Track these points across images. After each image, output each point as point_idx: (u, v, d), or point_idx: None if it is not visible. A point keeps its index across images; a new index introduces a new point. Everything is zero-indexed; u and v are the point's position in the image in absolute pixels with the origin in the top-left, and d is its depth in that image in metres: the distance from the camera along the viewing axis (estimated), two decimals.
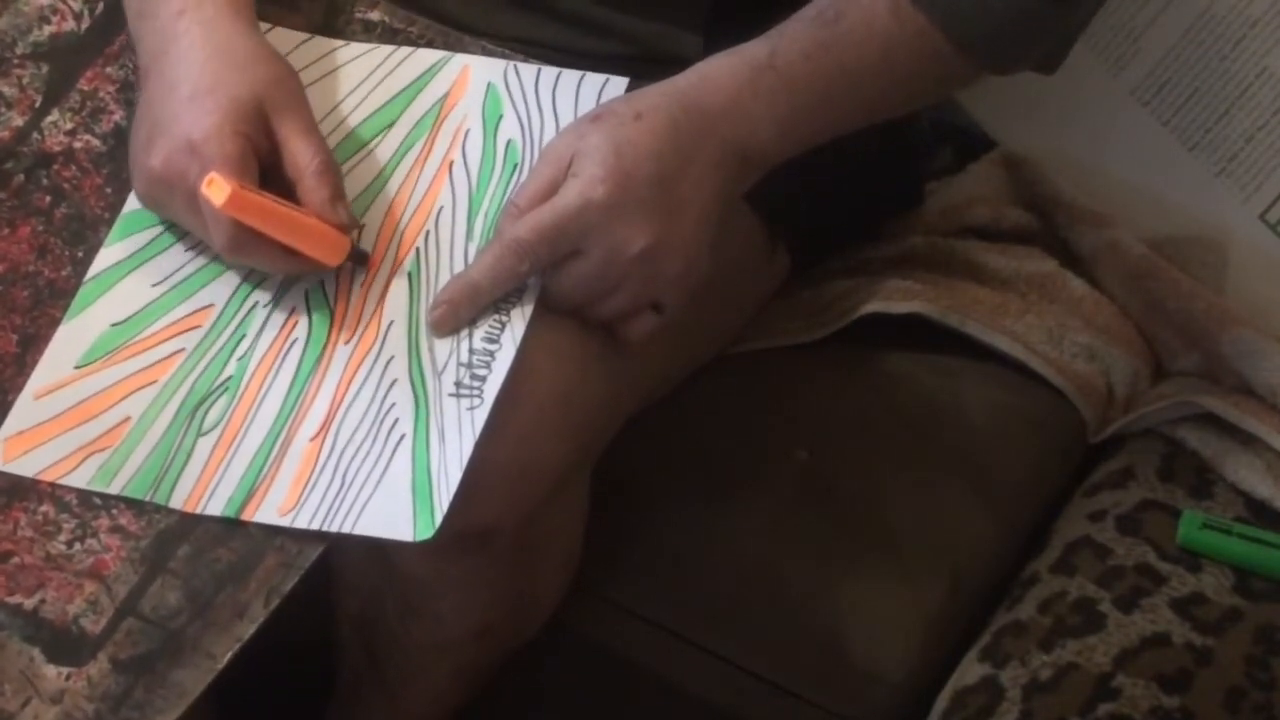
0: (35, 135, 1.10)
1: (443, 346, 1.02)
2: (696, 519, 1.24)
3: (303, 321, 1.03)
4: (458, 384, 1.00)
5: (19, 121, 1.10)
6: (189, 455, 0.99)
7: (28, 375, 1.02)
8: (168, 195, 1.04)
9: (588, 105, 1.09)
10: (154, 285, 1.05)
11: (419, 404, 1.00)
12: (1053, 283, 1.37)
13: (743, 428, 1.27)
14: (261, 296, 1.04)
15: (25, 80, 1.12)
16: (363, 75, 1.12)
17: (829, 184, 1.27)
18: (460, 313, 1.03)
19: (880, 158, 1.34)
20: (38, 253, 1.06)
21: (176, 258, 1.06)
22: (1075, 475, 1.33)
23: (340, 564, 1.16)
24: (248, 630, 0.94)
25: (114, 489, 0.98)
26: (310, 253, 1.01)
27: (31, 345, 1.03)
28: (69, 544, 0.97)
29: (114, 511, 0.98)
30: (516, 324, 1.02)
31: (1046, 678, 1.14)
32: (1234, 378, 1.33)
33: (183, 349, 1.03)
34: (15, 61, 1.12)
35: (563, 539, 1.17)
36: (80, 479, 0.98)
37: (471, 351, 1.01)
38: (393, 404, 1.00)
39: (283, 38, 1.11)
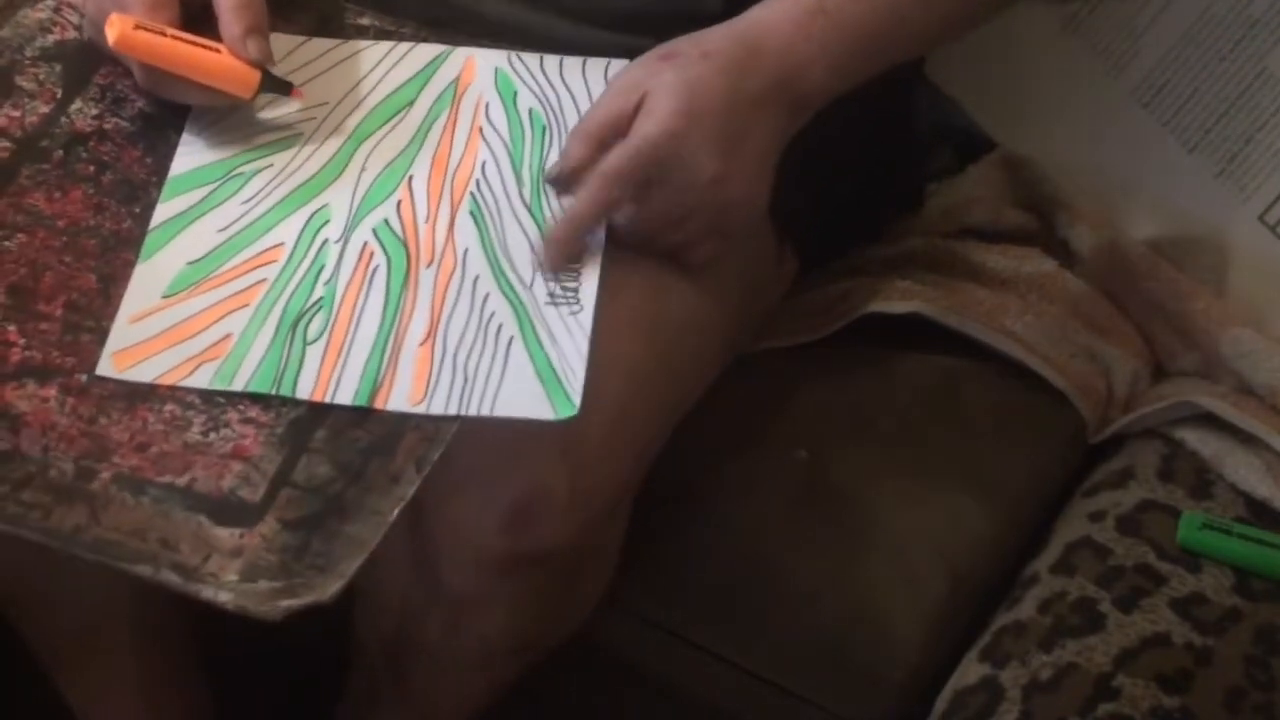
0: (64, 119, 1.11)
1: (525, 267, 1.04)
2: (696, 519, 1.24)
3: (379, 252, 1.05)
4: (551, 294, 1.03)
5: (45, 109, 1.11)
6: (301, 360, 1.00)
7: (115, 305, 1.03)
8: (100, 38, 1.09)
9: (597, 84, 1.13)
10: (220, 231, 1.06)
11: (518, 312, 1.02)
12: (1053, 283, 1.37)
13: (743, 428, 1.27)
14: (331, 233, 1.06)
15: (42, 76, 1.13)
16: (370, 65, 1.15)
17: (834, 188, 1.27)
18: (570, 248, 1.06)
19: (883, 161, 1.35)
20: (94, 211, 1.07)
21: (236, 209, 1.08)
22: (1075, 475, 1.33)
23: (374, 577, 1.16)
24: (408, 490, 0.93)
25: (236, 387, 0.98)
26: (220, 85, 1.08)
27: (112, 282, 1.04)
28: (204, 434, 0.97)
29: (241, 407, 0.98)
30: (592, 248, 1.06)
31: (1046, 678, 1.14)
32: (1233, 378, 1.33)
33: (265, 279, 1.04)
34: (27, 61, 1.13)
35: (607, 554, 1.18)
36: (199, 382, 0.99)
37: (554, 271, 1.05)
38: (492, 312, 1.02)
39: (282, 41, 1.13)
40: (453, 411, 0.97)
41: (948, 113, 1.47)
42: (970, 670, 1.18)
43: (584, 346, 1.00)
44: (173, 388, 0.99)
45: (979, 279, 1.36)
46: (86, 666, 1.27)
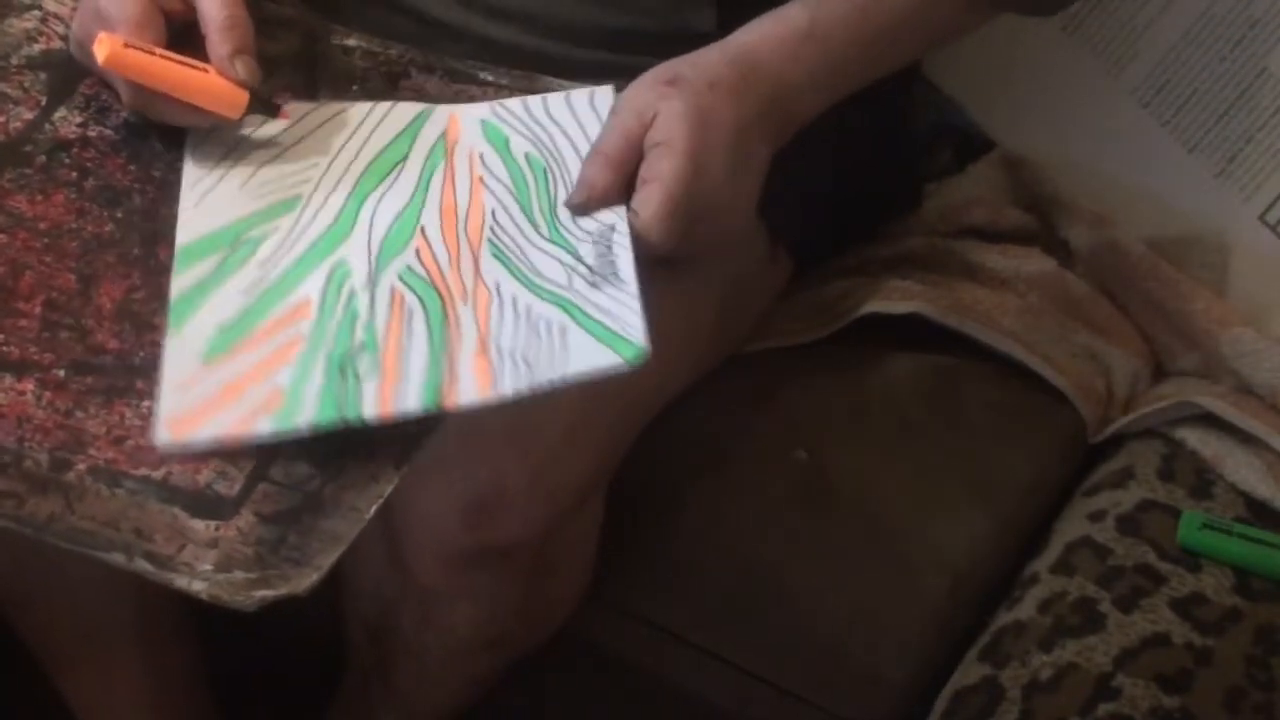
0: (48, 126, 1.10)
1: (557, 275, 1.02)
2: (696, 519, 1.24)
3: (410, 295, 1.03)
4: (592, 283, 1.01)
5: (29, 115, 1.11)
6: (360, 395, 0.97)
7: (94, 305, 1.02)
8: (85, 58, 1.09)
9: (586, 116, 1.11)
10: (243, 293, 1.04)
11: (567, 308, 1.00)
12: (1053, 283, 1.37)
13: (743, 428, 1.27)
14: (357, 283, 1.04)
15: (27, 84, 1.12)
16: (354, 125, 1.13)
17: (829, 188, 1.27)
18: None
19: (879, 162, 1.35)
20: (76, 214, 1.06)
21: (254, 271, 1.05)
22: (1075, 475, 1.33)
23: (355, 571, 1.17)
24: (386, 489, 0.93)
25: (302, 425, 0.95)
26: (207, 106, 1.07)
27: (92, 282, 1.03)
28: None
29: None
30: (619, 240, 1.04)
31: (1046, 678, 1.14)
32: (1233, 378, 1.33)
33: (301, 333, 1.02)
34: (13, 70, 1.13)
35: (579, 550, 1.18)
36: (262, 430, 0.96)
37: (589, 268, 1.03)
38: (540, 315, 1.00)
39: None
40: (525, 388, 0.95)
41: (948, 113, 1.47)
42: (970, 670, 1.18)
43: (637, 306, 0.98)
44: (149, 385, 0.98)
45: (978, 279, 1.36)
46: (86, 667, 1.27)
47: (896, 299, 1.32)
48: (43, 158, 1.09)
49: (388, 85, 1.17)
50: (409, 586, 1.12)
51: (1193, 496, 1.26)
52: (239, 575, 0.90)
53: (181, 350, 1.00)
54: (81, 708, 1.28)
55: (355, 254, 1.06)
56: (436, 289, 1.03)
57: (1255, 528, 1.23)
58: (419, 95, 1.16)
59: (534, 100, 1.13)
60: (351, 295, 1.03)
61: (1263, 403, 1.30)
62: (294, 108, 1.13)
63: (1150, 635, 1.16)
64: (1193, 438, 1.30)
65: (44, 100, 1.11)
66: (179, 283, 1.04)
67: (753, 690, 1.22)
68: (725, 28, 1.11)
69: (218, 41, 1.06)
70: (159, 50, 1.06)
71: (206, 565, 0.90)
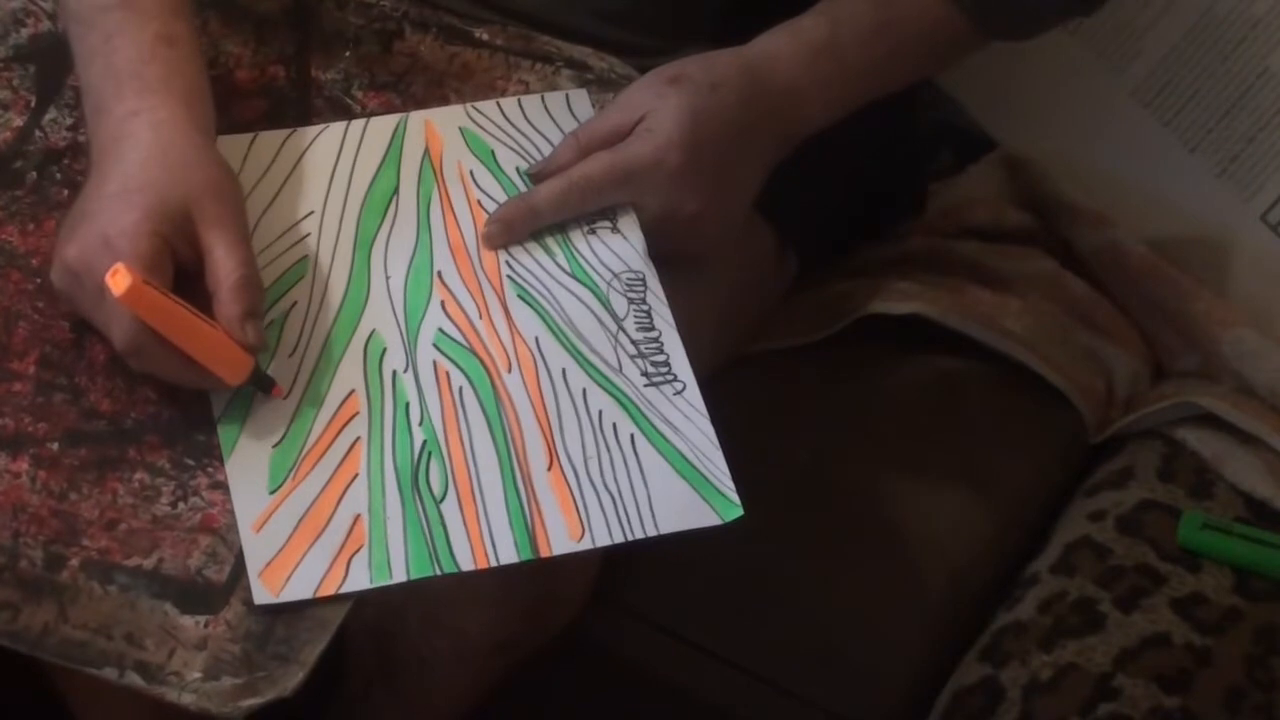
0: (38, 133, 1.09)
1: (602, 346, 1.03)
2: None
3: (454, 370, 1.02)
4: (645, 374, 1.02)
5: (19, 122, 1.09)
6: (443, 523, 0.96)
7: (87, 359, 1.01)
8: (77, 287, 1.00)
9: (564, 119, 1.12)
10: (285, 399, 1.01)
11: (623, 402, 1.01)
12: (1053, 283, 1.37)
13: (743, 428, 1.27)
14: (396, 362, 1.02)
15: (15, 82, 1.10)
16: (333, 153, 1.11)
17: (835, 189, 1.28)
18: (514, 232, 1.07)
19: (884, 162, 1.35)
20: None
21: (288, 366, 1.02)
22: (1075, 475, 1.33)
23: None
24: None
25: (398, 577, 0.95)
26: (208, 365, 0.98)
27: (84, 331, 1.01)
28: (173, 504, 0.96)
29: (210, 470, 0.97)
30: (658, 307, 1.05)
31: (1046, 678, 1.14)
32: (1234, 378, 1.33)
33: (358, 436, 1.00)
34: (0, 65, 1.11)
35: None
36: (360, 582, 0.95)
37: (634, 342, 1.03)
38: (599, 410, 1.00)
39: (230, 144, 1.08)
40: (618, 540, 0.96)
41: (948, 113, 1.47)
42: (970, 670, 1.18)
43: (709, 430, 1.00)
44: (142, 453, 0.97)
45: (979, 279, 1.36)
46: None
47: (898, 300, 1.32)
48: (33, 174, 1.07)
49: (381, 48, 1.15)
50: (417, 590, 1.12)
51: (1193, 496, 1.26)
52: (227, 682, 0.90)
53: (245, 482, 0.98)
54: (81, 708, 1.28)
55: (383, 321, 1.04)
56: (476, 354, 1.03)
57: (1255, 528, 1.23)
58: (412, 59, 1.15)
59: (508, 102, 1.13)
60: (395, 378, 1.02)
61: (1263, 403, 1.30)
62: (265, 139, 1.10)
63: (1150, 635, 1.16)
64: (1193, 438, 1.30)
65: (33, 101, 1.09)
66: (217, 395, 1.00)
67: (752, 690, 1.22)
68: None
69: (229, 299, 0.98)
70: (171, 294, 0.97)
71: (195, 673, 0.90)
